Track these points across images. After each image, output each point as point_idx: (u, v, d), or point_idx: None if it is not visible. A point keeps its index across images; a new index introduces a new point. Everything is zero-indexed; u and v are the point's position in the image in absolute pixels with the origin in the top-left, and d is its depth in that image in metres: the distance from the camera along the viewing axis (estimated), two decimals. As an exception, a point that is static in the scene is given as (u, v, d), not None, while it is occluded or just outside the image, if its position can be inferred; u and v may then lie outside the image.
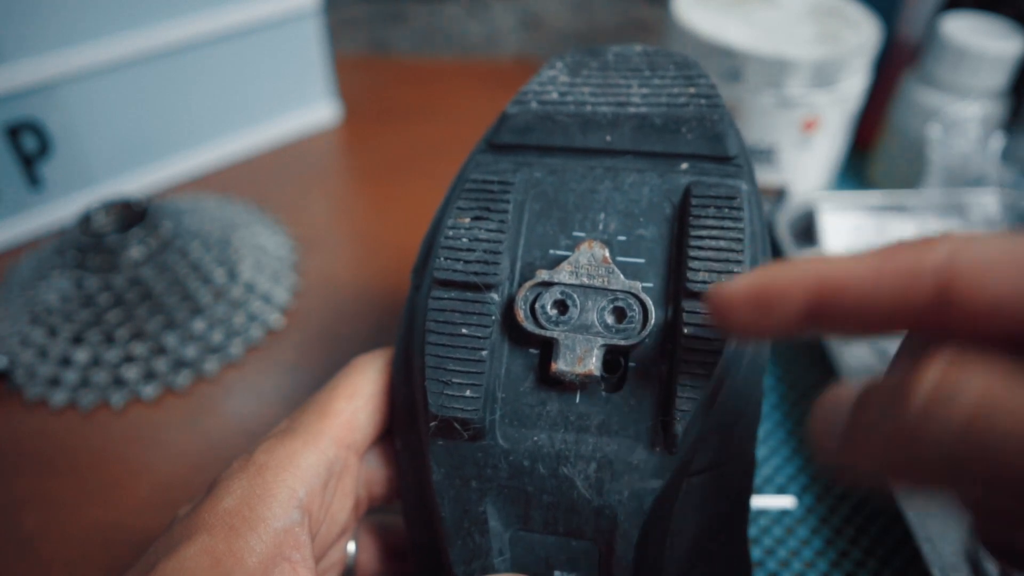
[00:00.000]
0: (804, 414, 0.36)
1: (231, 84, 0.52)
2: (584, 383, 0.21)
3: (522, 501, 0.21)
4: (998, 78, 0.44)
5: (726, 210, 0.21)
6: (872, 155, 0.51)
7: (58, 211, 0.47)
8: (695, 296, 0.20)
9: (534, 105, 0.24)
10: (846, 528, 0.31)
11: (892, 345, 0.37)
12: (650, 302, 0.21)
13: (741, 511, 0.22)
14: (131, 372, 0.37)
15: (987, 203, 0.40)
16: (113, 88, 0.46)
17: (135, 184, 0.50)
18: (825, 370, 0.37)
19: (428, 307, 0.21)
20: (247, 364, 0.39)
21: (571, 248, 0.22)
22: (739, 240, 0.21)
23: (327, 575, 0.23)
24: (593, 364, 0.20)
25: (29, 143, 0.45)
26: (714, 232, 0.21)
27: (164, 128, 0.50)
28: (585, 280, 0.21)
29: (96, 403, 0.37)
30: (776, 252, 0.41)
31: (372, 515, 0.26)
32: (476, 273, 0.21)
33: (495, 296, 0.21)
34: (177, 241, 0.42)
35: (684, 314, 0.20)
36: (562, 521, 0.20)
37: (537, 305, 0.21)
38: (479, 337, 0.21)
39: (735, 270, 0.20)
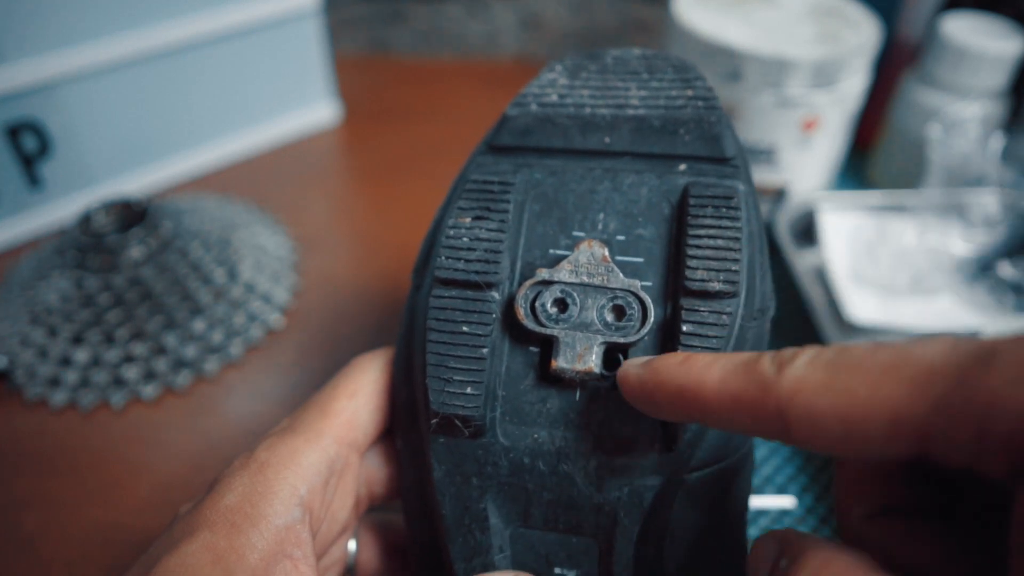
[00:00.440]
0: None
1: (231, 84, 0.52)
2: (584, 380, 0.21)
3: (522, 498, 0.21)
4: (998, 78, 0.44)
5: (723, 210, 0.21)
6: (872, 155, 0.51)
7: (58, 211, 0.48)
8: (694, 295, 0.20)
9: (534, 107, 0.24)
10: (846, 527, 0.31)
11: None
12: (649, 300, 0.21)
13: (741, 510, 0.22)
14: (131, 372, 0.37)
15: (987, 203, 0.40)
16: (113, 88, 0.47)
17: (135, 184, 0.50)
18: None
19: (429, 305, 0.22)
20: (247, 364, 0.39)
21: (571, 248, 0.22)
22: (736, 239, 0.21)
23: (328, 573, 0.23)
24: (593, 361, 0.20)
25: (29, 143, 0.45)
26: (712, 232, 0.21)
27: (164, 128, 0.50)
28: (585, 279, 0.21)
29: (96, 403, 0.37)
30: (775, 252, 0.42)
31: (373, 513, 0.26)
32: (477, 272, 0.21)
33: (496, 295, 0.21)
34: (177, 241, 0.42)
35: (683, 312, 0.20)
36: (562, 518, 0.20)
37: (537, 303, 0.21)
38: (480, 335, 0.21)
39: (732, 268, 0.20)
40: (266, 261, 0.44)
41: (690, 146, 0.23)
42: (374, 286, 0.44)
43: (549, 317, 0.21)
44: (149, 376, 0.38)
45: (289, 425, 0.22)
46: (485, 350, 0.21)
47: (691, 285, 0.20)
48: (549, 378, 0.21)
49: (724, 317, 0.20)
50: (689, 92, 0.24)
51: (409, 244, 0.45)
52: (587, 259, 0.21)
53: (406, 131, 0.57)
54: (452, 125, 0.58)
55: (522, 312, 0.21)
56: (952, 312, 0.39)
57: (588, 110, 0.24)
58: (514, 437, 0.21)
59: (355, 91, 0.61)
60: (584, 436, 0.21)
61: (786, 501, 0.32)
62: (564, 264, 0.21)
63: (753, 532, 0.31)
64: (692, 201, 0.22)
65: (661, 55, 0.25)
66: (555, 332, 0.21)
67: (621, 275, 0.21)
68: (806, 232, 0.43)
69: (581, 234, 0.23)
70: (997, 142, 0.42)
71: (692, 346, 0.20)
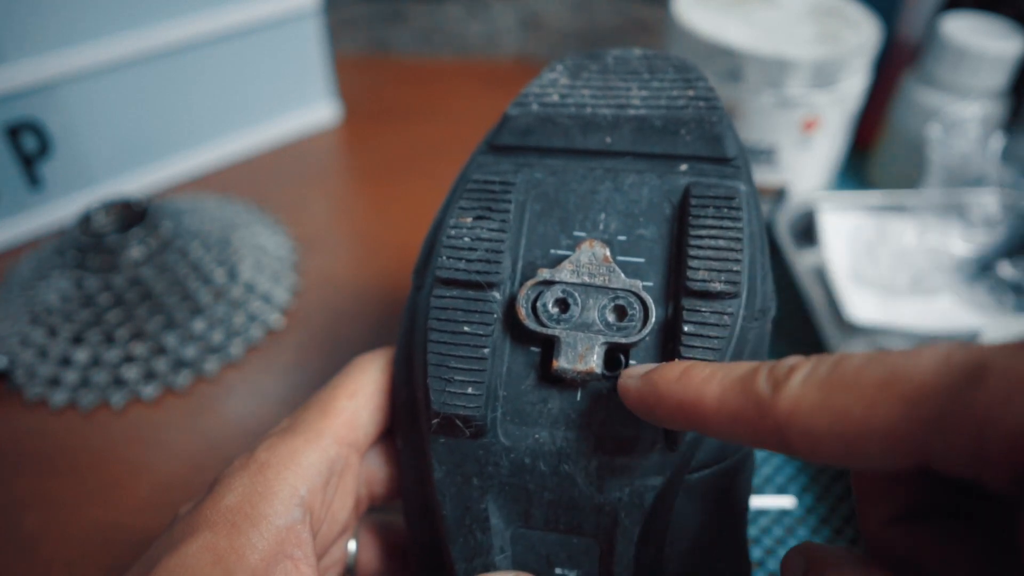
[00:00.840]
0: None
1: (231, 84, 0.52)
2: (585, 381, 0.21)
3: (523, 498, 0.21)
4: (998, 78, 0.44)
5: (725, 210, 0.21)
6: (872, 155, 0.51)
7: (58, 211, 0.47)
8: (695, 295, 0.20)
9: (535, 107, 0.24)
10: (846, 528, 0.31)
11: (894, 345, 0.37)
12: (650, 300, 0.21)
13: (741, 510, 0.22)
14: (131, 372, 0.37)
15: (987, 203, 0.40)
16: (113, 88, 0.46)
17: (135, 184, 0.50)
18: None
19: (430, 305, 0.22)
20: (247, 364, 0.39)
21: (572, 248, 0.22)
22: (738, 239, 0.21)
23: (328, 573, 0.23)
24: (594, 362, 0.20)
25: (29, 143, 0.45)
26: (713, 232, 0.21)
27: (164, 128, 0.50)
28: (586, 279, 0.21)
29: (96, 403, 0.37)
30: (775, 252, 0.42)
31: (373, 513, 0.26)
32: (478, 272, 0.21)
33: (497, 295, 0.21)
34: (177, 241, 0.42)
35: (684, 312, 0.20)
36: (563, 518, 0.20)
37: (538, 303, 0.21)
38: (481, 335, 0.21)
39: (734, 268, 0.20)
40: (266, 261, 0.44)
41: (691, 146, 0.23)
42: (374, 286, 0.44)
43: (550, 317, 0.21)
44: (149, 376, 0.38)
45: (289, 425, 0.22)
46: (486, 350, 0.21)
47: (692, 285, 0.20)
48: (550, 378, 0.21)
49: (725, 317, 0.20)
50: (690, 92, 0.24)
51: (409, 244, 0.45)
52: (588, 259, 0.21)
53: (406, 131, 0.57)
54: (452, 125, 0.58)
55: (523, 312, 0.21)
56: (952, 312, 0.39)
57: (589, 110, 0.24)
58: (515, 437, 0.21)
59: (355, 91, 0.61)
60: (585, 436, 0.20)
61: (786, 501, 0.32)
62: (565, 264, 0.21)
63: (753, 532, 0.31)
64: (693, 201, 0.22)
65: (662, 55, 0.25)
66: (556, 332, 0.21)
67: (622, 275, 0.21)
68: (806, 232, 0.43)
69: (582, 234, 0.22)
70: (997, 142, 0.42)
71: (693, 347, 0.20)
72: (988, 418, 0.12)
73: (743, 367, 0.16)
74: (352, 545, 0.24)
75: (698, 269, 0.21)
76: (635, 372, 0.18)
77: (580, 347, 0.20)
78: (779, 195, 0.45)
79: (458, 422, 0.20)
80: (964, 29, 0.44)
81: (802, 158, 0.44)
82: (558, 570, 0.21)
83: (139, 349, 0.38)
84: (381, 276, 0.45)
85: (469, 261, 0.22)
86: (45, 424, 0.36)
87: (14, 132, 0.44)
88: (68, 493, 0.33)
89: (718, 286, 0.20)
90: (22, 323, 0.39)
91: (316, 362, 0.39)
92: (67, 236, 0.41)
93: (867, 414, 0.13)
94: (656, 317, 0.21)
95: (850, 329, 0.37)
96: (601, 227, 0.22)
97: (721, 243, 0.21)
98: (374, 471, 0.24)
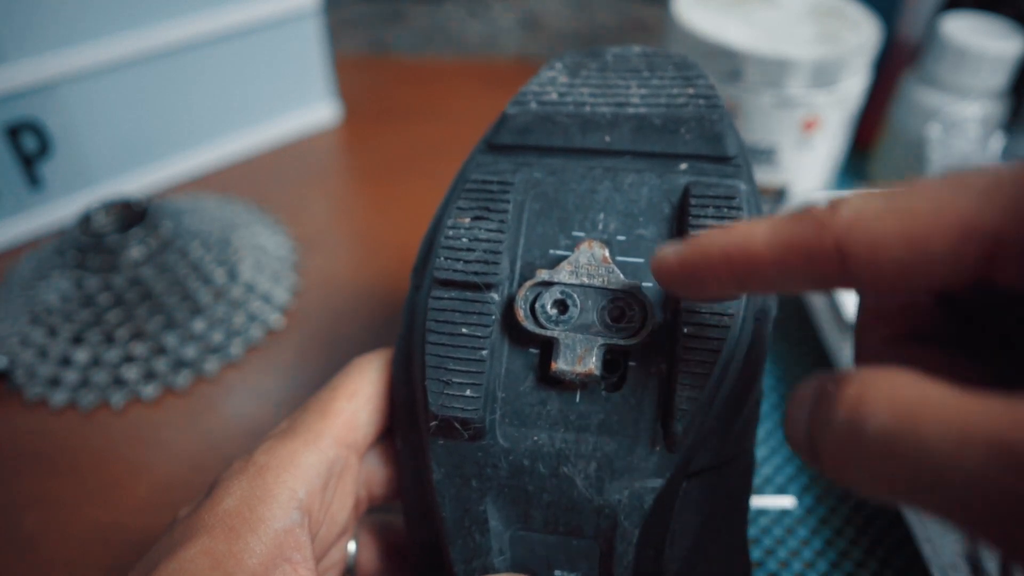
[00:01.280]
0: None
1: (231, 84, 0.52)
2: (584, 382, 0.21)
3: (522, 500, 0.21)
4: (998, 78, 0.44)
5: (725, 210, 0.21)
6: (872, 155, 0.51)
7: (58, 211, 0.47)
8: None
9: (534, 106, 0.24)
10: (846, 528, 0.31)
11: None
12: (650, 301, 0.21)
13: (741, 511, 0.22)
14: (131, 372, 0.37)
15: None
16: (113, 88, 0.46)
17: (135, 184, 0.50)
18: (826, 371, 0.37)
19: (428, 307, 0.21)
20: (247, 364, 0.39)
21: (571, 248, 0.22)
22: None
23: (328, 574, 0.23)
24: (593, 363, 0.20)
25: (29, 143, 0.45)
26: None
27: (164, 128, 0.50)
28: (585, 280, 0.21)
29: (96, 403, 0.37)
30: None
31: (372, 515, 0.26)
32: (476, 273, 0.21)
33: (495, 296, 0.21)
34: (177, 241, 0.42)
35: (684, 313, 0.20)
36: (562, 520, 0.20)
37: (537, 305, 0.21)
38: (479, 336, 0.21)
39: None
40: (266, 261, 0.44)
41: (691, 145, 0.23)
42: (374, 286, 0.44)
43: (549, 319, 0.21)
44: (149, 376, 0.38)
45: (288, 427, 0.22)
46: (484, 352, 0.21)
47: None
48: (549, 380, 0.21)
49: (725, 319, 0.20)
50: (690, 90, 0.24)
51: (409, 244, 0.45)
52: (587, 260, 0.21)
53: (406, 131, 0.57)
54: (452, 125, 0.58)
55: (522, 313, 0.21)
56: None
57: (588, 108, 0.24)
58: (514, 439, 0.21)
59: (355, 91, 0.61)
60: (584, 438, 0.20)
61: (786, 501, 0.32)
62: (564, 265, 0.21)
63: (753, 532, 0.31)
64: (693, 201, 0.22)
65: (662, 52, 0.25)
66: (555, 334, 0.20)
67: (621, 276, 0.21)
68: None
69: (581, 234, 0.22)
70: (997, 142, 0.42)
71: (693, 348, 0.20)
72: None
73: (793, 210, 0.15)
74: (352, 546, 0.24)
75: None
76: (670, 247, 0.17)
77: (579, 349, 0.20)
78: (779, 195, 0.45)
79: (456, 424, 0.20)
80: (964, 29, 0.44)
81: (802, 158, 0.44)
82: (557, 572, 0.21)
83: (139, 349, 0.38)
84: (381, 276, 0.45)
85: (467, 262, 0.22)
86: (45, 424, 0.36)
87: (14, 132, 0.44)
88: (68, 493, 0.33)
89: None
90: (22, 323, 0.39)
91: (316, 362, 0.39)
92: (67, 236, 0.41)
93: (937, 208, 0.13)
94: (655, 318, 0.21)
95: (850, 329, 0.37)
96: (600, 227, 0.22)
97: None
98: (373, 472, 0.24)
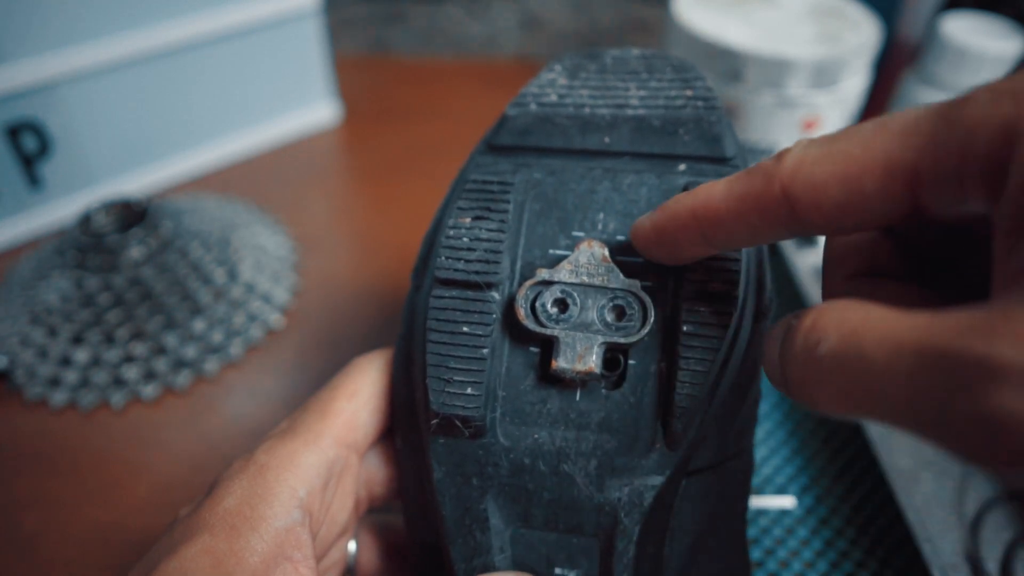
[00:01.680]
0: (804, 415, 0.36)
1: (231, 84, 0.52)
2: (584, 381, 0.21)
3: (523, 499, 0.21)
4: (998, 78, 0.44)
5: None
6: (872, 155, 0.51)
7: (58, 211, 0.47)
8: (694, 295, 0.20)
9: (533, 107, 0.24)
10: (846, 529, 0.31)
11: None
12: (649, 300, 0.21)
13: (740, 510, 0.22)
14: (131, 372, 0.37)
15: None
16: (113, 88, 0.46)
17: (135, 184, 0.50)
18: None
19: (429, 306, 0.21)
20: (247, 364, 0.39)
21: (571, 248, 0.22)
22: None
23: (328, 574, 0.23)
24: (593, 362, 0.20)
25: (29, 143, 0.45)
26: None
27: (164, 128, 0.50)
28: (585, 279, 0.21)
29: (96, 403, 0.37)
30: (775, 252, 0.42)
31: (372, 514, 0.26)
32: (477, 272, 0.21)
33: (496, 295, 0.21)
34: (177, 241, 0.42)
35: (683, 312, 0.20)
36: (563, 518, 0.20)
37: (537, 303, 0.21)
38: (480, 335, 0.21)
39: (732, 268, 0.20)
40: (266, 261, 0.44)
41: (690, 146, 0.23)
42: (374, 286, 0.44)
43: (549, 317, 0.21)
44: (149, 376, 0.38)
45: (288, 427, 0.22)
46: (485, 350, 0.21)
47: (691, 285, 0.20)
48: (549, 378, 0.21)
49: (724, 318, 0.20)
50: (689, 92, 0.24)
51: (409, 244, 0.45)
52: (587, 259, 0.21)
53: (406, 131, 0.57)
54: (452, 125, 0.58)
55: (522, 312, 0.21)
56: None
57: (587, 110, 0.24)
58: (514, 437, 0.21)
59: (355, 91, 0.61)
60: (584, 436, 0.20)
61: (786, 501, 0.32)
62: (564, 264, 0.21)
63: (753, 532, 0.31)
64: None
65: (660, 55, 0.25)
66: (555, 332, 0.21)
67: (621, 275, 0.21)
68: (806, 232, 0.43)
69: (581, 234, 0.22)
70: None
71: (693, 346, 0.20)
72: (972, 124, 0.13)
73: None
74: (352, 546, 0.24)
75: (696, 269, 0.21)
76: (646, 216, 0.20)
77: (579, 347, 0.20)
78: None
79: (457, 422, 0.20)
80: (964, 29, 0.44)
81: (802, 158, 0.44)
82: (558, 570, 0.21)
83: (139, 349, 0.38)
84: (381, 276, 0.45)
85: (468, 261, 0.22)
86: (45, 424, 0.36)
87: (14, 132, 0.44)
88: (68, 493, 0.33)
89: (717, 286, 0.20)
90: (22, 323, 0.39)
91: (316, 362, 0.39)
92: (67, 236, 0.41)
93: (865, 150, 0.14)
94: (655, 317, 0.21)
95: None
96: (600, 227, 0.22)
97: None
98: (373, 472, 0.24)
